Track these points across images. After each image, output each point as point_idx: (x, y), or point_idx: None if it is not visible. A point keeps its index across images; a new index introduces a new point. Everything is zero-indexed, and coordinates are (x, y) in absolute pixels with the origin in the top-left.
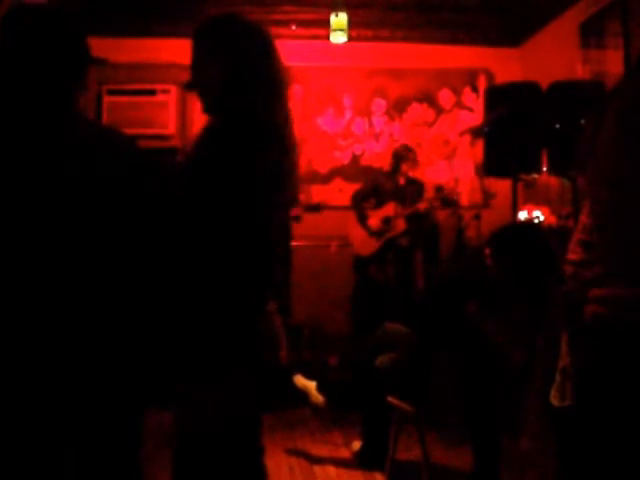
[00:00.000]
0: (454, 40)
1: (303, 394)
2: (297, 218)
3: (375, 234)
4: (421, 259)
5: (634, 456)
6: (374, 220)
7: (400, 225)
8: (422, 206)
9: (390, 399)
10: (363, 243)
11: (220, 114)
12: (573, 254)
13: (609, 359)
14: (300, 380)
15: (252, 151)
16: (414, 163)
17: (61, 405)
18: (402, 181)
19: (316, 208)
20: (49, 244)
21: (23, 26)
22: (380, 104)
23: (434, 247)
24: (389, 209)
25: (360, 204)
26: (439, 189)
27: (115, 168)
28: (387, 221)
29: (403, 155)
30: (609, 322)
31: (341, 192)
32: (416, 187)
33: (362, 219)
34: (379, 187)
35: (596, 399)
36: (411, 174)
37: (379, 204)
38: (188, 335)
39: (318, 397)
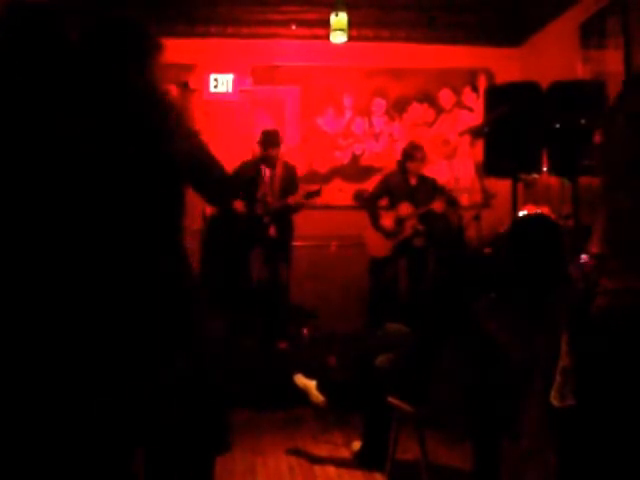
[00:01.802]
0: (454, 40)
1: (303, 393)
2: (298, 206)
3: (388, 235)
4: (434, 259)
5: (634, 456)
6: (387, 221)
7: (411, 225)
8: (437, 206)
9: (390, 399)
10: (377, 245)
11: None
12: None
13: (610, 358)
14: (300, 379)
15: None
16: (422, 161)
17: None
18: (414, 180)
19: (316, 193)
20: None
21: (21, 24)
22: (380, 104)
23: (450, 246)
24: (402, 210)
25: (373, 207)
26: (441, 190)
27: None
28: (400, 222)
29: (410, 154)
30: (615, 314)
31: (341, 192)
32: (428, 186)
33: (375, 221)
34: (391, 188)
35: (596, 399)
36: (421, 172)
37: (392, 205)
38: None
39: (318, 396)
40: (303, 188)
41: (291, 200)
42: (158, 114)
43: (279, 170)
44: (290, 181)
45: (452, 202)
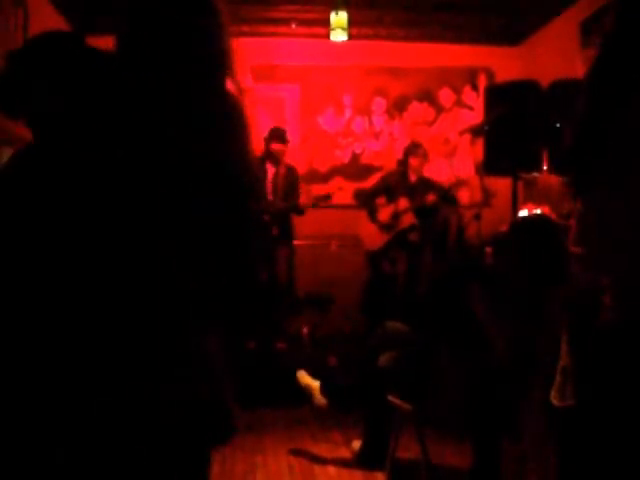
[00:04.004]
0: (454, 39)
1: (305, 392)
2: (305, 208)
3: (384, 227)
4: (430, 255)
5: (634, 456)
6: (383, 215)
7: (408, 220)
8: (429, 198)
9: (390, 398)
10: (372, 237)
11: None
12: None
13: (611, 360)
14: (304, 377)
15: None
16: (424, 158)
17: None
18: (414, 177)
19: (326, 198)
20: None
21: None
22: (380, 103)
23: (445, 243)
24: (399, 204)
25: (371, 201)
26: (440, 188)
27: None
28: (396, 216)
29: (411, 150)
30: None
31: (341, 190)
32: (427, 186)
33: (372, 214)
34: (390, 185)
35: (596, 399)
36: (423, 170)
37: (390, 202)
38: None
39: (321, 399)
40: (307, 189)
41: (301, 200)
42: (170, 120)
43: (282, 171)
44: (292, 183)
45: (451, 200)
